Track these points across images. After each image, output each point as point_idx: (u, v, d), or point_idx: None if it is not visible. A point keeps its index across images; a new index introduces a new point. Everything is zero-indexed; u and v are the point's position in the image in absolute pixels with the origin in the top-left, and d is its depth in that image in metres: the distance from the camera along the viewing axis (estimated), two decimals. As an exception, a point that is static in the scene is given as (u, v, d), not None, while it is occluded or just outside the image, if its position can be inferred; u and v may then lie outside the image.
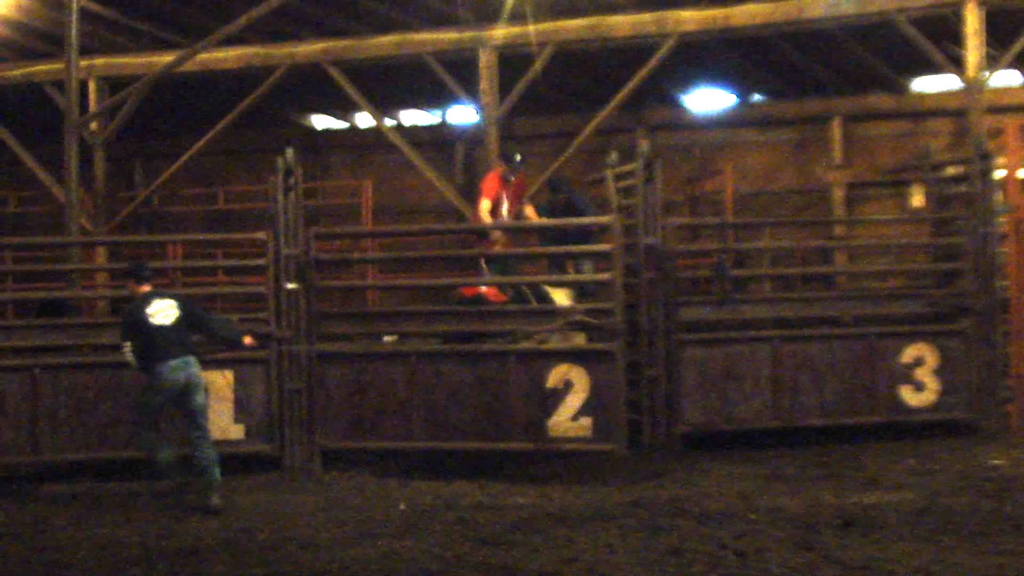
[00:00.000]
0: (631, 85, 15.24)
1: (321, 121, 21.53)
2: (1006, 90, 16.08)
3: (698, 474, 10.69)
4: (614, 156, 12.97)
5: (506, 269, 12.58)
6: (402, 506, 9.72)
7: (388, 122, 19.06)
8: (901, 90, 17.66)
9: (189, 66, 15.90)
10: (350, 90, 16.32)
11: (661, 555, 7.94)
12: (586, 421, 10.83)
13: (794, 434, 11.95)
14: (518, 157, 12.72)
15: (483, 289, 11.85)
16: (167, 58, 16.03)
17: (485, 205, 12.46)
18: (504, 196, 12.58)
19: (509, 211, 12.67)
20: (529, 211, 12.99)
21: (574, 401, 10.86)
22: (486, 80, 15.42)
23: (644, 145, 12.38)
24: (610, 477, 10.67)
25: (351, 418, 11.29)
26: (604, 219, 11.66)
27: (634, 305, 11.99)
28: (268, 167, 11.66)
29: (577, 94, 18.23)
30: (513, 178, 12.69)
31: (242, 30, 14.91)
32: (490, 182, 12.69)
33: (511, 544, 8.35)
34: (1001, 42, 14.41)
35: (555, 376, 10.89)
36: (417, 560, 7.98)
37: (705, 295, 12.98)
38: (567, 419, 10.85)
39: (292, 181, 11.46)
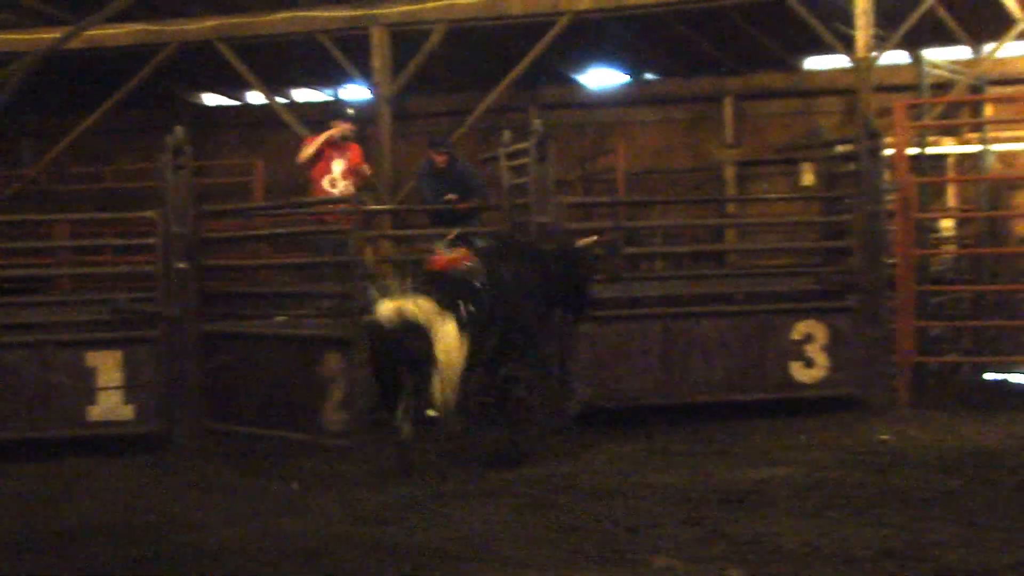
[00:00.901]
0: (524, 63, 15.23)
1: (212, 99, 21.30)
2: (894, 70, 16.24)
3: (588, 451, 10.68)
4: (507, 135, 12.94)
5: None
6: (294, 485, 9.64)
7: (280, 100, 18.89)
8: (792, 69, 17.79)
9: (77, 43, 15.66)
10: (241, 68, 16.16)
11: (550, 531, 7.93)
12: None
13: (685, 411, 11.99)
14: (350, 111, 12.80)
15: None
16: (54, 35, 15.76)
17: (306, 148, 12.67)
18: (336, 155, 12.65)
19: (345, 172, 12.72)
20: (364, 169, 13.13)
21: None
22: (378, 58, 15.32)
23: (537, 123, 12.36)
24: (499, 454, 10.66)
25: (239, 399, 11.23)
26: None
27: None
28: (158, 145, 11.52)
29: (471, 72, 18.18)
30: (348, 134, 12.80)
31: (131, 6, 14.70)
32: (315, 136, 12.87)
33: (395, 522, 8.28)
34: (890, 22, 14.56)
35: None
36: (298, 539, 7.91)
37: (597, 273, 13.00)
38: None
39: (182, 159, 11.32)
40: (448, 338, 9.48)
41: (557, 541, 7.72)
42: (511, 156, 12.69)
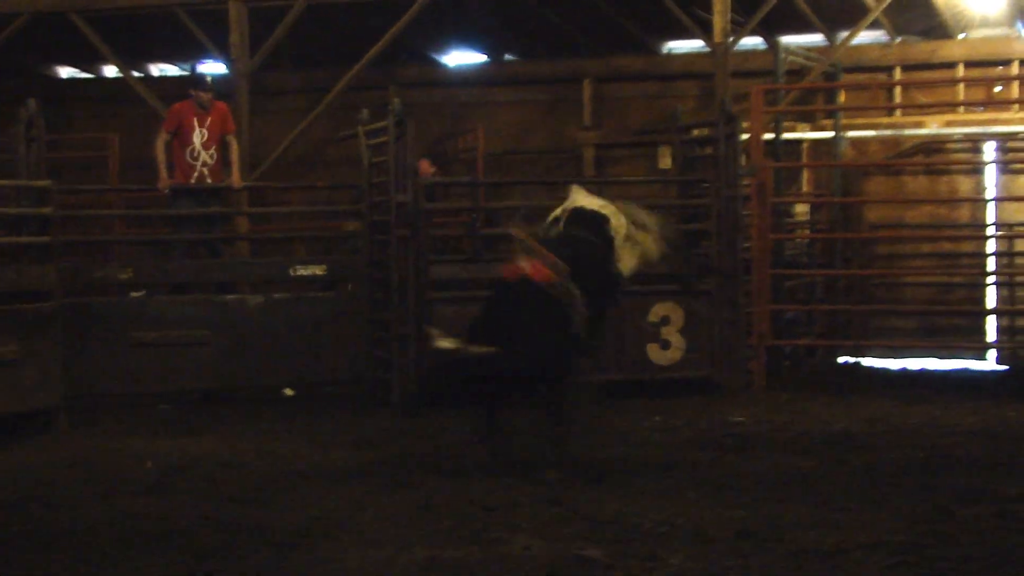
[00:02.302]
0: (383, 42, 15.12)
1: (66, 72, 20.86)
2: (751, 55, 16.40)
3: (448, 431, 10.68)
4: (365, 113, 12.87)
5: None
6: (149, 464, 9.52)
7: (136, 74, 18.57)
8: (651, 53, 17.88)
9: (-76, 14, 15.26)
10: (95, 40, 15.84)
11: (410, 511, 7.92)
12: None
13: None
14: (209, 79, 12.70)
15: (527, 269, 9.69)
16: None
17: (160, 139, 12.50)
18: (196, 125, 12.52)
19: (207, 142, 12.61)
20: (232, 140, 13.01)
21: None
22: (236, 33, 15.08)
23: (396, 102, 12.31)
24: (358, 435, 10.63)
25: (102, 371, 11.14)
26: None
27: (385, 263, 11.95)
28: (9, 118, 11.28)
29: (331, 49, 18.01)
30: (208, 105, 12.67)
31: (-19, -24, 14.37)
32: (170, 113, 12.69)
33: (259, 502, 8.24)
34: (747, 8, 14.71)
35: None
36: (162, 518, 7.81)
37: (456, 253, 13.00)
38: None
39: (34, 132, 11.11)
40: None
41: (416, 520, 7.71)
42: (370, 135, 12.64)
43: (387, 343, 12.04)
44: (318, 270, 12.64)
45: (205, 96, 12.89)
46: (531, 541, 7.18)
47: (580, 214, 9.81)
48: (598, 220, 9.78)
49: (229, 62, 15.44)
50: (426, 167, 13.50)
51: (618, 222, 9.77)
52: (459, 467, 9.21)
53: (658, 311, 12.34)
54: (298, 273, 12.57)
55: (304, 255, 13.88)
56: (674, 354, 12.33)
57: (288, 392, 12.69)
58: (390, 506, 8.09)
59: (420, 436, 10.54)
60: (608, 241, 9.70)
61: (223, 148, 12.98)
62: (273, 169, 15.41)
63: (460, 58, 18.91)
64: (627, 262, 9.76)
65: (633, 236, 9.84)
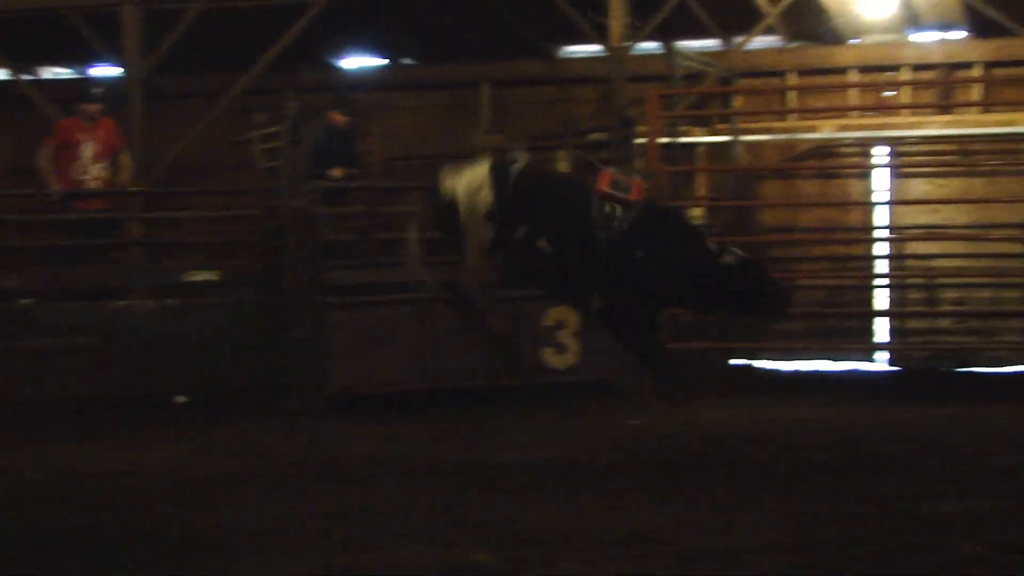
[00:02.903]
0: (279, 45, 15.04)
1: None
2: (648, 59, 16.48)
3: (345, 437, 10.68)
4: (259, 117, 12.80)
5: None
6: (32, 474, 9.40)
7: (26, 78, 18.32)
8: (549, 57, 17.93)
9: None
10: (-16, 42, 15.64)
11: (305, 519, 7.87)
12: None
13: (442, 396, 12.04)
14: (96, 90, 12.59)
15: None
16: None
17: (44, 151, 12.38)
18: (83, 139, 12.41)
19: (97, 156, 12.50)
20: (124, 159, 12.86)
21: None
22: (130, 37, 14.94)
23: (291, 106, 12.26)
24: (253, 442, 10.57)
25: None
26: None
27: (280, 268, 11.89)
28: None
29: (230, 53, 17.88)
30: (96, 116, 12.56)
31: None
32: (56, 129, 12.59)
33: (150, 512, 8.14)
34: (644, 13, 14.78)
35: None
36: (52, 529, 7.70)
37: (352, 258, 12.95)
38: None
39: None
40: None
41: (311, 528, 7.66)
42: (264, 139, 12.58)
43: (282, 349, 11.98)
44: (212, 276, 12.55)
45: (91, 108, 12.74)
46: (422, 548, 7.15)
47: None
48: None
49: (122, 66, 15.28)
50: (338, 171, 13.44)
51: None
52: (355, 474, 9.19)
53: (554, 315, 12.37)
54: (191, 279, 12.47)
55: (199, 261, 13.77)
56: (570, 358, 12.37)
57: (180, 400, 12.57)
58: (284, 514, 8.02)
59: (317, 443, 10.50)
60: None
61: (115, 166, 12.85)
62: (170, 174, 15.24)
63: (358, 62, 18.85)
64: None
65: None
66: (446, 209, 9.48)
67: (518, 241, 9.21)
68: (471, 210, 9.33)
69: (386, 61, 18.77)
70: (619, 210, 8.95)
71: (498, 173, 9.35)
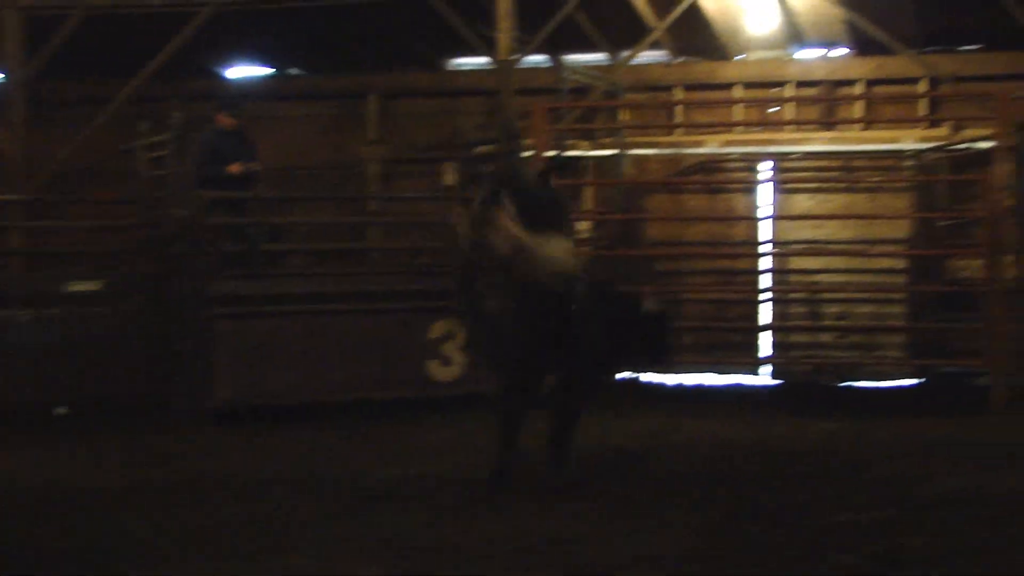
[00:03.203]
0: (165, 53, 14.91)
1: None
2: (535, 73, 16.53)
3: (230, 450, 10.60)
4: (144, 126, 12.67)
5: None
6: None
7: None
8: (437, 69, 17.93)
9: None
10: None
11: (189, 530, 7.81)
12: None
13: (328, 408, 11.99)
14: None
15: None
16: None
17: None
18: None
19: None
20: None
21: None
22: (11, 42, 14.74)
23: (176, 115, 12.16)
24: (136, 454, 10.45)
25: None
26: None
27: (165, 278, 11.78)
28: None
29: (113, 60, 17.69)
30: None
31: None
32: None
33: (30, 525, 8.03)
34: (531, 26, 14.84)
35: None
36: None
37: (239, 269, 12.84)
38: None
39: None
40: None
41: (200, 540, 7.60)
42: (149, 148, 12.46)
43: (168, 360, 11.86)
44: (94, 286, 12.38)
45: None
46: (308, 560, 7.14)
47: None
48: None
49: (4, 71, 15.07)
50: (236, 166, 13.35)
51: None
52: (241, 486, 9.12)
53: (439, 328, 12.37)
54: (73, 289, 12.29)
55: (83, 270, 13.58)
56: (455, 370, 12.38)
57: (60, 411, 12.37)
58: (168, 525, 7.96)
59: (201, 454, 10.41)
60: None
61: None
62: (54, 182, 15.04)
63: (244, 72, 18.73)
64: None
65: None
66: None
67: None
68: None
69: (273, 71, 18.67)
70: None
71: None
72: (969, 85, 15.22)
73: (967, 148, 14.71)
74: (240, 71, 18.69)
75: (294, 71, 18.70)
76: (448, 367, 12.37)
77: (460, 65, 17.95)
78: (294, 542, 7.52)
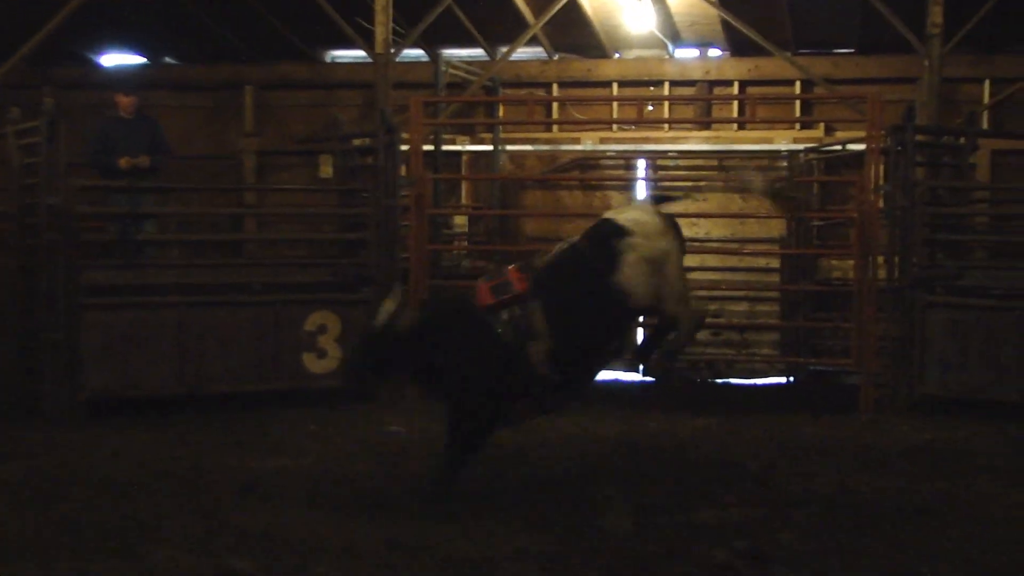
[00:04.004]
0: (35, 39, 14.63)
1: None
2: (413, 67, 16.52)
3: (100, 442, 10.45)
4: (15, 112, 12.44)
5: None
6: None
7: None
8: (314, 61, 17.83)
9: None
10: None
11: (57, 525, 7.70)
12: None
13: (202, 401, 11.88)
14: None
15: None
16: None
17: None
18: None
19: None
20: None
21: None
22: None
23: (48, 103, 11.96)
24: (8, 447, 10.27)
25: None
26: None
27: (34, 268, 11.59)
28: None
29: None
30: None
31: None
32: None
33: None
34: (409, 20, 14.81)
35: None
36: None
37: (111, 259, 12.67)
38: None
39: None
40: None
41: (63, 535, 7.50)
42: (20, 135, 12.23)
43: (37, 351, 11.67)
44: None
45: None
46: (178, 554, 7.08)
47: (598, 227, 8.75)
48: (609, 232, 8.62)
49: None
50: (124, 161, 13.19)
51: (643, 240, 8.57)
52: (110, 480, 9.01)
53: (315, 320, 12.32)
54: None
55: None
56: (331, 363, 12.32)
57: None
58: (36, 521, 7.85)
59: (71, 449, 10.25)
60: (610, 256, 8.51)
61: None
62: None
63: (118, 60, 18.48)
64: (636, 285, 8.48)
65: (659, 260, 8.58)
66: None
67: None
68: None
69: (147, 60, 18.44)
70: (516, 309, 8.42)
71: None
72: (842, 88, 15.45)
73: (840, 150, 14.94)
74: (114, 59, 18.43)
75: (168, 60, 18.48)
76: (324, 359, 12.31)
77: (337, 58, 17.86)
78: (164, 537, 7.45)
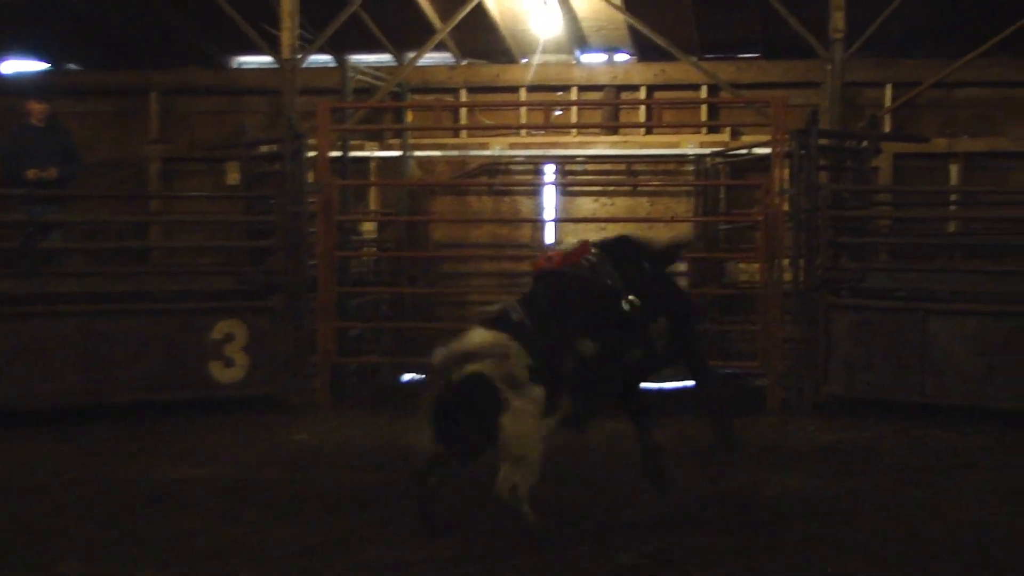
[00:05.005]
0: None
1: None
2: (320, 72, 16.44)
3: (4, 453, 10.31)
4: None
5: None
6: None
7: None
8: (220, 67, 17.71)
9: None
10: None
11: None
12: None
13: (108, 410, 11.75)
14: None
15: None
16: None
17: None
18: None
19: None
20: None
21: None
22: None
23: (-53, 108, 11.83)
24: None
25: None
26: None
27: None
28: None
29: None
30: None
31: None
32: None
33: None
34: (316, 25, 14.74)
35: None
36: None
37: (12, 267, 12.50)
38: None
39: None
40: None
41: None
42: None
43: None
44: None
45: None
46: (82, 564, 7.01)
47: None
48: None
49: None
50: (32, 172, 13.02)
51: None
52: (16, 487, 8.95)
53: (221, 328, 12.22)
54: None
55: None
56: (238, 372, 12.23)
57: None
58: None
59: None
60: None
61: None
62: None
63: (19, 66, 18.25)
64: None
65: None
66: None
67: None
68: None
69: (49, 65, 18.22)
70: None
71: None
72: (747, 92, 15.55)
73: (746, 154, 15.07)
74: (15, 65, 18.19)
75: (71, 66, 18.27)
76: (230, 368, 12.22)
77: (244, 63, 17.76)
78: (65, 547, 7.37)
